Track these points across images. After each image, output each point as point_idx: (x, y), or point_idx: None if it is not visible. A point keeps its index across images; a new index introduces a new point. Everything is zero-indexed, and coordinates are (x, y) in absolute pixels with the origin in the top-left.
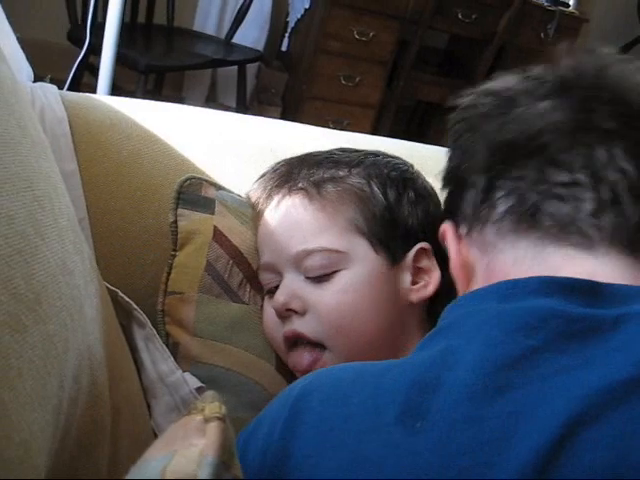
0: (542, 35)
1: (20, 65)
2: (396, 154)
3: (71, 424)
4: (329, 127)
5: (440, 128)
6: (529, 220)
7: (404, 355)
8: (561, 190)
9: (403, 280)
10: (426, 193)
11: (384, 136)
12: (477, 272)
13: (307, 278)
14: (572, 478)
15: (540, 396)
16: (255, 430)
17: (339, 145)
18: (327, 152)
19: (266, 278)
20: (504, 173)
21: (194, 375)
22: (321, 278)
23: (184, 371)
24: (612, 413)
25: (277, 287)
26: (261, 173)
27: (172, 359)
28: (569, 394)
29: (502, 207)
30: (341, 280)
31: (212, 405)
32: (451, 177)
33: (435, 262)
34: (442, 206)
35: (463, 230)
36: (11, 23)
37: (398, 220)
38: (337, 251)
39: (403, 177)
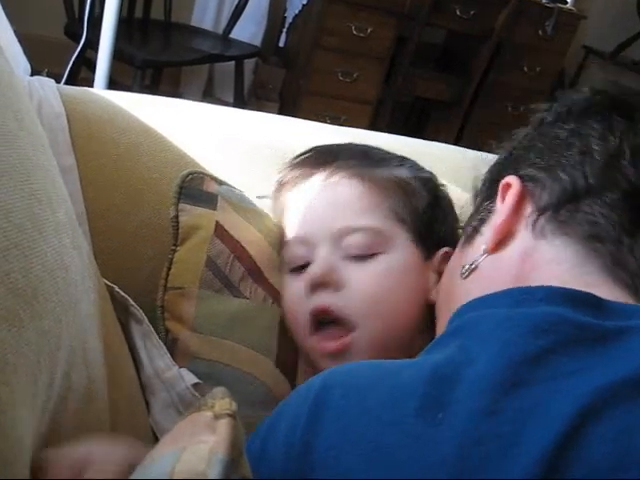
0: (540, 32)
1: (17, 59)
2: (394, 150)
3: (58, 422)
4: (326, 123)
5: (437, 124)
6: (594, 245)
7: (415, 355)
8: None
9: (430, 278)
10: (453, 206)
11: (382, 132)
12: (513, 245)
13: (345, 256)
14: (581, 470)
15: (551, 394)
16: (274, 426)
17: (337, 140)
18: (364, 146)
19: (295, 253)
20: (604, 196)
21: (193, 371)
22: (361, 258)
23: (183, 367)
24: (615, 409)
25: (304, 265)
26: (260, 168)
27: (168, 355)
28: (577, 392)
29: (583, 220)
30: (382, 263)
31: (222, 402)
32: (546, 152)
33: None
34: (515, 166)
35: (533, 202)
36: (8, 17)
37: (434, 222)
38: (381, 233)
39: (437, 185)
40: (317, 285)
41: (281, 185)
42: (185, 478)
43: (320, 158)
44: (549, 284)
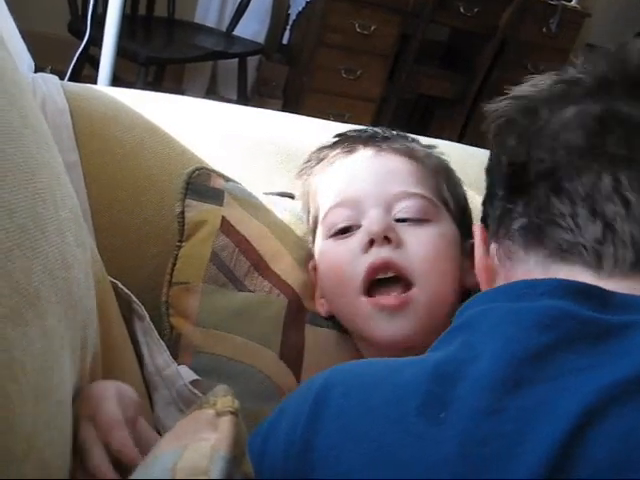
0: (544, 29)
1: (21, 56)
2: None
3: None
4: (330, 120)
5: (441, 122)
6: (536, 240)
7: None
8: (562, 220)
9: (464, 262)
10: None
11: None
12: (499, 277)
13: (397, 220)
14: (587, 470)
15: (555, 392)
16: (275, 424)
17: None
18: (396, 130)
19: (342, 215)
20: (519, 192)
21: (197, 365)
22: (414, 222)
23: (187, 362)
24: (621, 408)
25: (347, 229)
26: (263, 164)
27: (168, 352)
28: (581, 390)
29: (516, 224)
30: (434, 229)
31: (224, 399)
32: (487, 179)
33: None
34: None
35: (490, 235)
36: (12, 14)
37: (467, 213)
38: (433, 203)
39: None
40: (378, 240)
41: (315, 162)
42: (187, 475)
43: (363, 137)
44: None
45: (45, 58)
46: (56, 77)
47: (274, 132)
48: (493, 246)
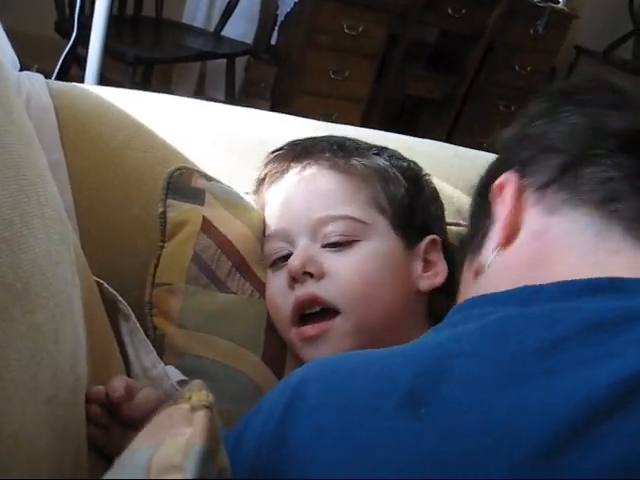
0: (532, 31)
1: (5, 54)
2: (388, 147)
3: (73, 413)
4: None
5: (429, 123)
6: (610, 207)
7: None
8: None
9: (414, 267)
10: (437, 195)
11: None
12: (523, 232)
13: (324, 246)
14: (585, 471)
15: (556, 385)
16: (251, 419)
17: None
18: (341, 137)
19: (275, 247)
20: (603, 157)
21: (181, 366)
22: (340, 246)
23: (170, 363)
24: (630, 405)
25: (284, 257)
26: (251, 165)
27: (154, 352)
28: (586, 384)
29: (590, 185)
30: (362, 249)
31: (199, 393)
32: (532, 139)
33: (442, 257)
34: (502, 163)
35: (533, 184)
36: None
37: (415, 209)
38: (361, 222)
39: (419, 174)
40: (297, 276)
41: (259, 182)
42: (162, 471)
43: (295, 152)
44: (569, 261)
45: (32, 58)
46: (41, 75)
47: (263, 132)
48: (533, 198)
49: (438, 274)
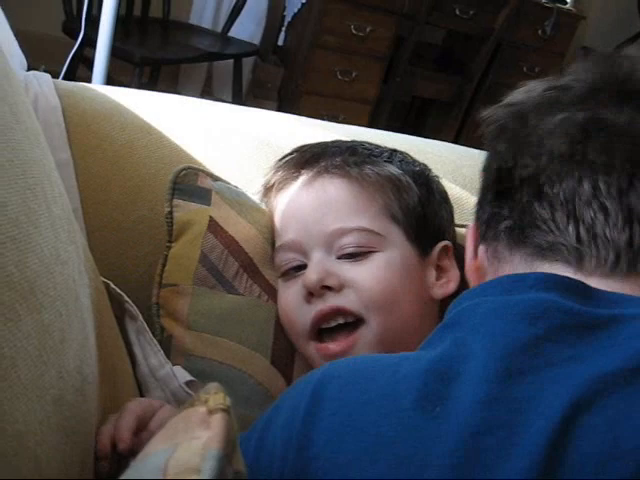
0: (539, 32)
1: (13, 54)
2: (394, 148)
3: (82, 415)
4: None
5: (437, 124)
6: (520, 240)
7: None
8: (542, 224)
9: (429, 275)
10: (446, 197)
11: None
12: (488, 277)
13: (339, 258)
14: (574, 461)
15: (545, 382)
16: (271, 420)
17: (338, 138)
18: (351, 142)
19: (286, 258)
20: (504, 197)
21: (188, 368)
22: (355, 257)
23: (178, 364)
24: (607, 400)
25: (296, 268)
26: (258, 165)
27: (162, 352)
28: (570, 381)
29: (502, 226)
30: (377, 259)
31: (216, 396)
32: (480, 182)
33: (454, 262)
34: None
35: (480, 236)
36: (5, 14)
37: (428, 216)
38: (375, 233)
39: (429, 178)
40: (315, 291)
41: (267, 189)
42: (178, 474)
43: (305, 158)
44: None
45: (39, 58)
46: (48, 75)
47: (270, 132)
48: (482, 247)
49: (451, 281)
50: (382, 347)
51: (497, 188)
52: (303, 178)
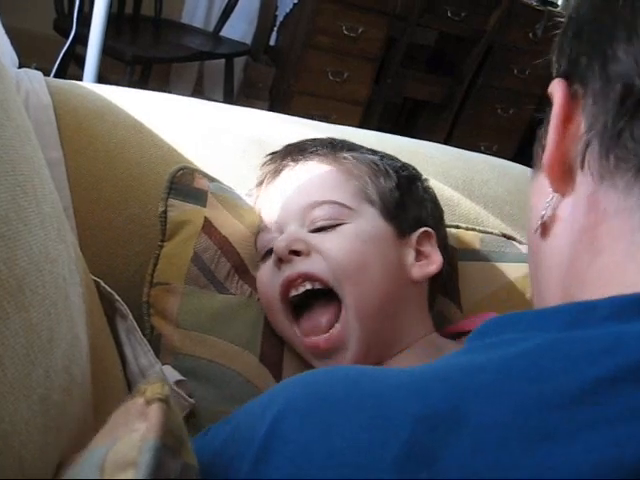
0: (530, 35)
1: (4, 51)
2: (385, 148)
3: (67, 415)
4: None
5: (428, 125)
6: None
7: (405, 337)
8: None
9: (407, 255)
10: (433, 195)
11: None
12: (577, 186)
13: (311, 231)
14: None
15: (598, 443)
16: (230, 439)
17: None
18: (333, 138)
19: (265, 238)
20: None
21: (178, 366)
22: (325, 229)
23: (167, 363)
24: None
25: (270, 251)
26: (249, 164)
27: (152, 352)
28: (628, 449)
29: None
30: (346, 229)
31: (154, 386)
32: (580, 23)
33: (437, 249)
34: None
35: (586, 115)
36: None
37: (407, 204)
38: (346, 206)
39: (413, 175)
40: (284, 256)
41: (258, 184)
42: (116, 468)
43: (288, 152)
44: (615, 252)
45: (30, 56)
46: (40, 73)
47: (261, 132)
48: (583, 132)
49: (431, 264)
50: (364, 323)
51: None
52: (287, 168)
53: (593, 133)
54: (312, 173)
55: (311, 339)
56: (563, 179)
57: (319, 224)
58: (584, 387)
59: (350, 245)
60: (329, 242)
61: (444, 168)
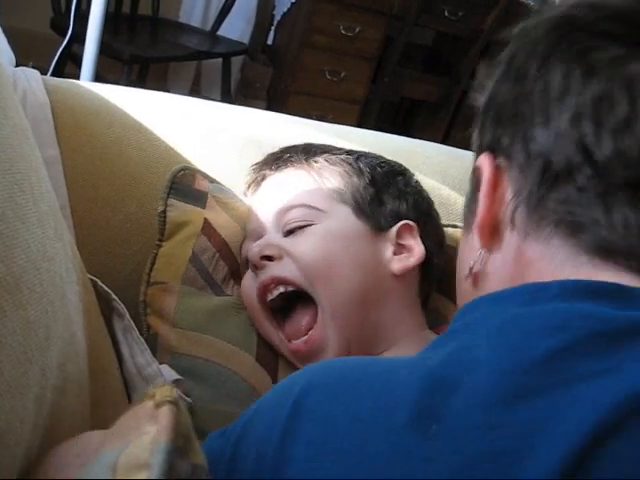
0: None
1: (1, 48)
2: (382, 148)
3: (59, 414)
4: None
5: (425, 125)
6: (577, 233)
7: (393, 330)
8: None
9: (385, 250)
10: (419, 188)
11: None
12: (505, 242)
13: (285, 235)
14: None
15: (564, 403)
16: (249, 427)
17: (326, 137)
18: (313, 143)
19: (248, 246)
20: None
21: (174, 366)
22: (295, 231)
23: (164, 362)
24: (631, 427)
25: None
26: (247, 163)
27: (149, 351)
28: (594, 400)
29: (561, 208)
30: (314, 230)
31: (163, 389)
32: (499, 108)
33: (420, 241)
34: (477, 142)
35: (512, 185)
36: None
37: (384, 199)
38: (316, 208)
39: (394, 170)
40: (257, 262)
41: (244, 194)
42: (128, 470)
43: (267, 163)
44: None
45: (27, 55)
46: (37, 71)
47: (259, 131)
48: (511, 198)
49: (412, 257)
50: (341, 326)
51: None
52: (267, 180)
53: (520, 199)
54: (288, 181)
55: (292, 343)
56: (492, 238)
57: (290, 226)
58: (546, 355)
59: (318, 245)
60: (297, 245)
61: (441, 167)
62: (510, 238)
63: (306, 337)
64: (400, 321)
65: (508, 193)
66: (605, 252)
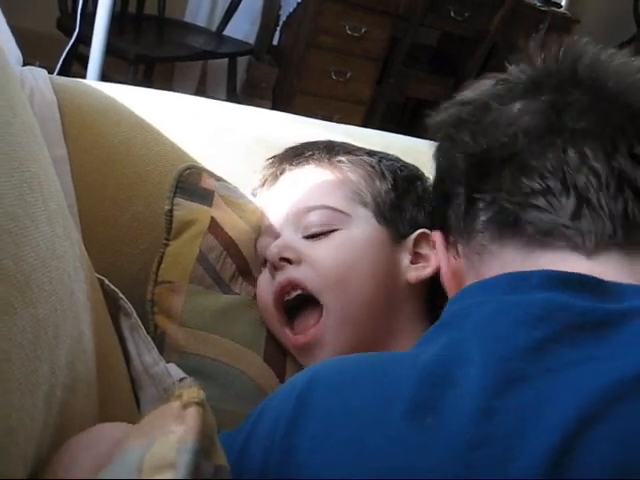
0: (534, 35)
1: (9, 49)
2: (390, 147)
3: (69, 412)
4: None
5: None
6: (512, 228)
7: (399, 339)
8: (535, 199)
9: (402, 258)
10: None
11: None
12: (469, 279)
13: (305, 237)
14: (584, 475)
15: (551, 390)
16: (257, 424)
17: (334, 136)
18: (337, 141)
19: (264, 243)
20: (482, 184)
21: (182, 365)
22: (318, 235)
23: (171, 361)
24: (622, 409)
25: None
26: (255, 163)
27: (156, 350)
28: (580, 388)
29: (485, 216)
30: (337, 237)
31: (190, 390)
32: (436, 189)
33: (435, 251)
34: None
35: (451, 240)
36: (0, 9)
37: (403, 206)
38: (339, 211)
39: (413, 175)
40: (276, 263)
41: (259, 187)
42: (154, 468)
43: (288, 155)
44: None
45: (33, 55)
46: (44, 70)
47: (267, 131)
48: (459, 248)
49: (428, 267)
50: (349, 328)
51: (473, 174)
52: (286, 173)
53: (467, 254)
54: (308, 178)
55: (294, 337)
56: (455, 282)
57: (312, 230)
58: (531, 345)
59: (339, 255)
60: (319, 251)
61: None
62: (472, 276)
63: (305, 333)
64: (409, 326)
65: (460, 252)
66: (547, 237)
